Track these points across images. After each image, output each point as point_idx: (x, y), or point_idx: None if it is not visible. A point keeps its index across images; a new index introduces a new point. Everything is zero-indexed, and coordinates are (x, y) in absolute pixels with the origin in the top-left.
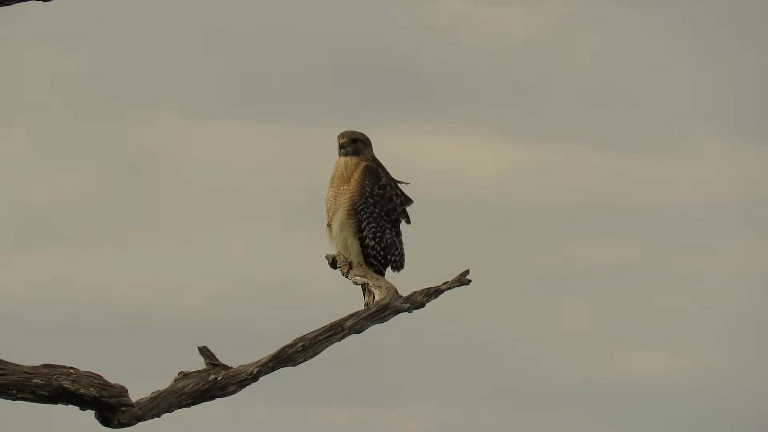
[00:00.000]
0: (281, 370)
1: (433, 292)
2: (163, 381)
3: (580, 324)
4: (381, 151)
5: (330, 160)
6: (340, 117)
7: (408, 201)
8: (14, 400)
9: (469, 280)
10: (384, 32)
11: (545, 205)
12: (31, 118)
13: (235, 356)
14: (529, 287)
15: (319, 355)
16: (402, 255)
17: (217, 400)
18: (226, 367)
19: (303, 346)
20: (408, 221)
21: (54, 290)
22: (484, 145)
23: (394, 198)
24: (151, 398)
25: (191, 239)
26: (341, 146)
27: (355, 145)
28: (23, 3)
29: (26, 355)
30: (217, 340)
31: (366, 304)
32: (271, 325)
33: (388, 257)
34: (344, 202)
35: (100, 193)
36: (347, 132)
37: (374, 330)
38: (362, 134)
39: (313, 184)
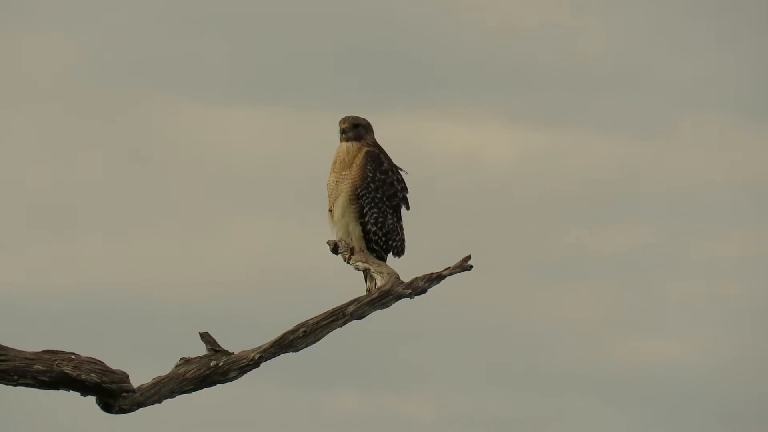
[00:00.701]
0: (282, 355)
1: (435, 278)
2: (164, 367)
3: (584, 310)
4: (385, 136)
5: (331, 145)
6: (342, 102)
7: (404, 189)
8: (15, 386)
9: (471, 266)
10: (389, 17)
11: (552, 191)
12: (31, 105)
13: (236, 342)
14: (532, 273)
15: (321, 340)
16: (403, 240)
17: (219, 385)
18: (227, 353)
19: (304, 331)
20: (407, 207)
21: (55, 276)
22: (490, 130)
23: (395, 183)
24: (153, 384)
25: (192, 225)
26: (342, 131)
27: (356, 130)
28: None
29: (27, 341)
30: (219, 326)
31: (368, 290)
32: (272, 311)
33: (390, 243)
34: (346, 187)
35: (101, 179)
36: (348, 117)
37: (376, 316)
38: (364, 119)
39: (315, 169)
